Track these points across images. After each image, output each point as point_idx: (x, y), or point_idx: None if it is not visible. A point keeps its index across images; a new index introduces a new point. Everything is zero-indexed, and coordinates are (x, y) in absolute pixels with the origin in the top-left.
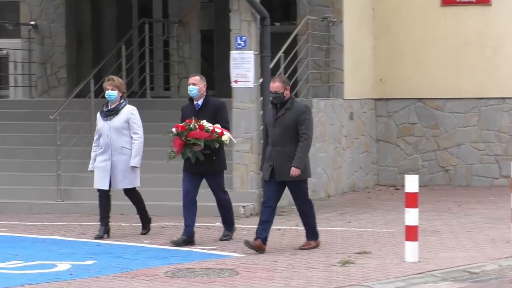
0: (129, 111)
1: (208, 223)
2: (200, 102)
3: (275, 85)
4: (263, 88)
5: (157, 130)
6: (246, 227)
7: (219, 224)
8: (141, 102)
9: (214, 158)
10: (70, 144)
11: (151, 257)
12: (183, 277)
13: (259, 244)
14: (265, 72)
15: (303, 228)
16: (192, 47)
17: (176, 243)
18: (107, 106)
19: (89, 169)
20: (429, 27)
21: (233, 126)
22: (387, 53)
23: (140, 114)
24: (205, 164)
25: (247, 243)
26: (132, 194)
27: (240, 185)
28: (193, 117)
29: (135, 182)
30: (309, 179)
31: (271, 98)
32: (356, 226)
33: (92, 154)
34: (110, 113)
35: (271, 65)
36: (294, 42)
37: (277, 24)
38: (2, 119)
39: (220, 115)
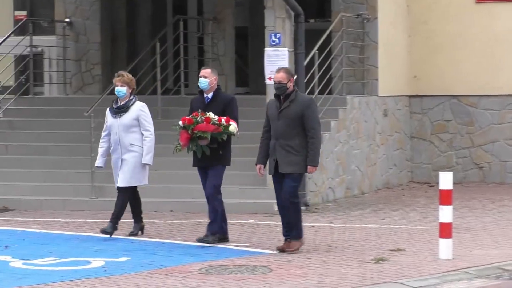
0: (139, 108)
1: (241, 220)
2: (210, 95)
3: (279, 75)
4: (297, 85)
5: None
6: (281, 224)
7: (252, 221)
8: (176, 99)
9: (220, 152)
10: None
11: (185, 254)
12: (216, 274)
13: (294, 244)
14: (299, 69)
15: (336, 225)
16: (226, 44)
17: (208, 242)
18: (116, 102)
19: (95, 165)
20: (464, 24)
21: None
22: (421, 50)
23: (174, 111)
24: (210, 158)
25: (281, 250)
26: (126, 191)
27: None
28: (199, 110)
29: (144, 180)
30: (343, 176)
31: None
32: (390, 223)
33: (100, 150)
34: (120, 110)
35: (305, 62)
36: (329, 39)
37: (312, 21)
38: (37, 116)
39: (229, 110)
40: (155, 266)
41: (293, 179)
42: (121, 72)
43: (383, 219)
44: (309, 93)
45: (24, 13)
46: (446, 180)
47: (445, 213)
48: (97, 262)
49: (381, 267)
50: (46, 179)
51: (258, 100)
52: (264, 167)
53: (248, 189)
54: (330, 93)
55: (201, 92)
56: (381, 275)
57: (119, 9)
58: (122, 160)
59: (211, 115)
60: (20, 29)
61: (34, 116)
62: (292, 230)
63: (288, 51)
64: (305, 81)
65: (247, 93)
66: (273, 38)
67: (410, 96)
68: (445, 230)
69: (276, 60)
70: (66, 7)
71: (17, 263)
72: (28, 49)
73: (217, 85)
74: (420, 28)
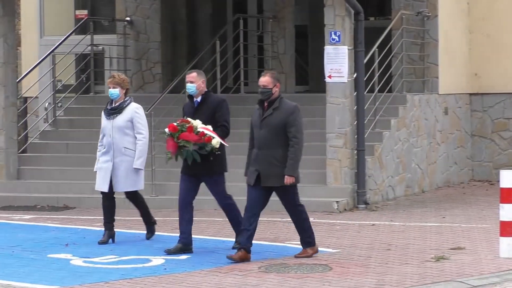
0: (133, 110)
1: None
2: (199, 99)
3: (265, 79)
4: (357, 83)
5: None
6: (340, 223)
7: (312, 219)
8: (235, 97)
9: (211, 159)
10: (164, 139)
11: None
12: (276, 272)
13: (243, 255)
14: (359, 67)
15: (396, 223)
16: (286, 42)
17: (171, 252)
18: (111, 104)
19: (94, 170)
20: None
21: (327, 121)
22: (482, 48)
23: (234, 109)
24: (202, 166)
25: (229, 258)
26: (134, 197)
27: (333, 180)
28: (184, 117)
29: (138, 185)
30: (403, 174)
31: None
32: (451, 222)
33: (98, 154)
34: (113, 112)
35: (365, 60)
36: (389, 37)
37: (371, 19)
38: (98, 114)
39: (219, 113)
40: (215, 264)
41: (288, 193)
42: (112, 73)
43: (444, 217)
44: (369, 91)
45: (85, 12)
46: (507, 178)
47: (506, 212)
48: (157, 260)
49: (441, 266)
50: None
51: (318, 98)
52: None
53: (308, 188)
54: (390, 91)
55: (191, 96)
56: (441, 273)
57: (179, 8)
58: (113, 163)
59: (195, 122)
60: (81, 28)
61: (95, 114)
62: (304, 241)
63: (348, 49)
64: (365, 79)
65: (307, 91)
66: (333, 36)
67: (470, 94)
68: (506, 229)
69: (336, 58)
70: (127, 6)
71: (77, 261)
72: (89, 47)
73: (207, 88)
74: (480, 25)
